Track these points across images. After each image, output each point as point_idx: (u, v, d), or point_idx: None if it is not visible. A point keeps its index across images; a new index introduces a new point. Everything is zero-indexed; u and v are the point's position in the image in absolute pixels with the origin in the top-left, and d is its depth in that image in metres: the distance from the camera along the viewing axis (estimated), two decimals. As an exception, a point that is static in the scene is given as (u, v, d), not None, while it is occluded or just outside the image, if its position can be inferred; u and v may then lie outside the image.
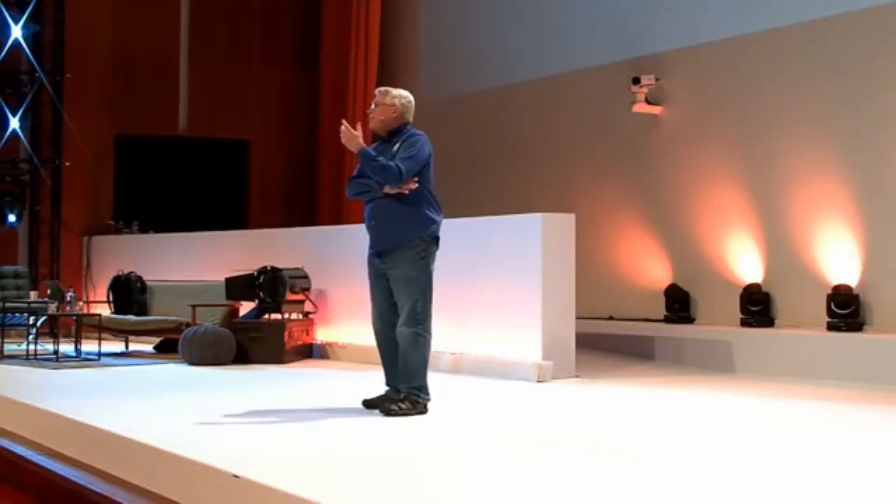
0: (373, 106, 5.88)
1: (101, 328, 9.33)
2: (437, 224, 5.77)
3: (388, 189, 5.66)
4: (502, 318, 7.88)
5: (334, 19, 13.34)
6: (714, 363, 8.40)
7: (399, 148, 5.71)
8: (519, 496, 3.80)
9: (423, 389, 5.67)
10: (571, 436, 5.18)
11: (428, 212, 5.74)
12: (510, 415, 6.11)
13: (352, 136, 5.66)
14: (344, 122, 5.77)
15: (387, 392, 5.80)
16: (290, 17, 13.69)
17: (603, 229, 10.18)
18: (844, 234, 8.35)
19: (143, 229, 12.43)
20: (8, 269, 10.90)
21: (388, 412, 5.55)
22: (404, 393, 5.64)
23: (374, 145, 5.84)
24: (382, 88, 5.92)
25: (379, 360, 5.92)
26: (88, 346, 9.06)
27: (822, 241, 8.50)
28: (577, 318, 8.00)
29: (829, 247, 8.46)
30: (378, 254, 5.77)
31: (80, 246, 12.36)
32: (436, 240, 5.77)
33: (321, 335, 9.53)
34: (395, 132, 5.81)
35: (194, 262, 10.84)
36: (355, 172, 5.87)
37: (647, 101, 9.89)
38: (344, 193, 12.74)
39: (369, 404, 5.79)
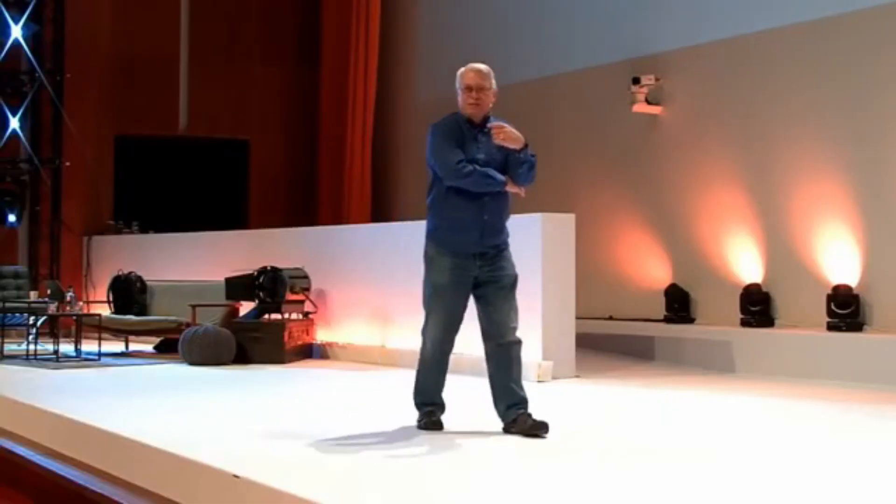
0: (472, 91, 5.15)
1: (101, 328, 9.33)
2: None
3: (511, 187, 5.19)
4: (502, 318, 7.86)
5: (334, 19, 13.35)
6: (714, 363, 8.40)
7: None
8: (520, 496, 3.80)
9: None
10: (571, 436, 5.17)
11: None
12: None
13: (514, 133, 5.11)
14: (505, 125, 5.14)
15: (439, 409, 5.25)
16: (289, 16, 13.69)
17: (603, 229, 10.18)
18: (844, 234, 8.35)
19: (143, 229, 12.44)
20: (8, 269, 10.90)
21: (546, 428, 4.95)
22: (527, 402, 5.13)
23: (457, 127, 5.18)
24: (485, 69, 5.21)
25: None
26: (88, 346, 9.06)
27: (822, 241, 8.50)
28: (577, 318, 7.99)
29: (829, 247, 8.45)
30: (481, 254, 5.12)
31: (80, 246, 12.37)
32: None
33: (321, 335, 9.52)
34: (486, 120, 5.23)
35: (194, 262, 10.84)
36: (468, 162, 5.08)
37: (647, 101, 9.89)
38: (343, 193, 13.07)
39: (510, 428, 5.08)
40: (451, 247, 5.12)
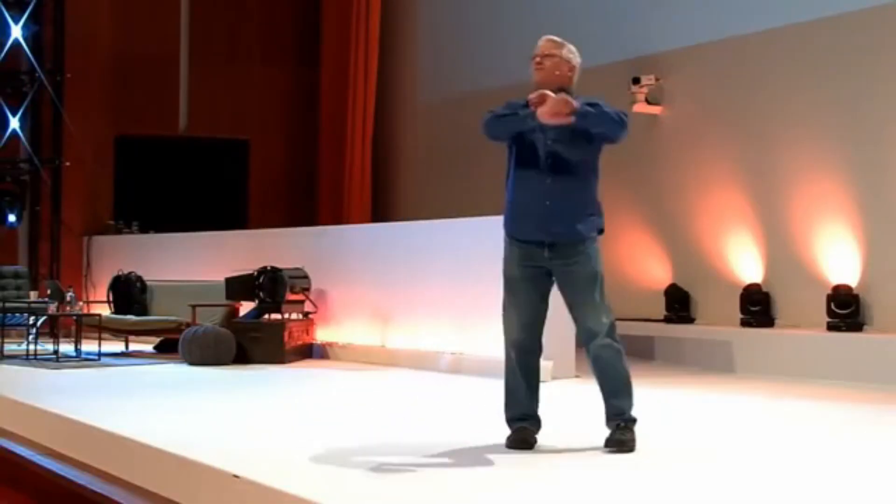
0: (538, 58, 4.68)
1: (101, 328, 9.33)
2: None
3: (553, 118, 4.49)
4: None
5: (334, 19, 13.35)
6: (714, 363, 8.40)
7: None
8: (520, 495, 3.80)
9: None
10: (571, 436, 5.17)
11: (598, 198, 4.81)
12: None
13: (560, 101, 4.47)
14: (546, 92, 4.50)
15: (532, 423, 4.69)
16: (289, 17, 13.69)
17: (603, 229, 10.16)
18: (844, 234, 8.35)
19: (143, 229, 12.44)
20: (8, 269, 10.90)
21: (627, 446, 4.55)
22: (629, 416, 4.64)
23: (517, 105, 4.67)
24: (557, 39, 4.70)
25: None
26: (88, 346, 9.06)
27: (822, 241, 8.50)
28: (578, 318, 7.98)
29: (829, 247, 8.45)
30: (549, 244, 4.62)
31: (80, 246, 12.37)
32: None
33: (321, 335, 9.52)
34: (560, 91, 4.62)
35: (194, 262, 10.84)
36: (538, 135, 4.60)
37: (647, 101, 9.89)
38: (343, 193, 13.07)
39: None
40: (516, 234, 4.64)
